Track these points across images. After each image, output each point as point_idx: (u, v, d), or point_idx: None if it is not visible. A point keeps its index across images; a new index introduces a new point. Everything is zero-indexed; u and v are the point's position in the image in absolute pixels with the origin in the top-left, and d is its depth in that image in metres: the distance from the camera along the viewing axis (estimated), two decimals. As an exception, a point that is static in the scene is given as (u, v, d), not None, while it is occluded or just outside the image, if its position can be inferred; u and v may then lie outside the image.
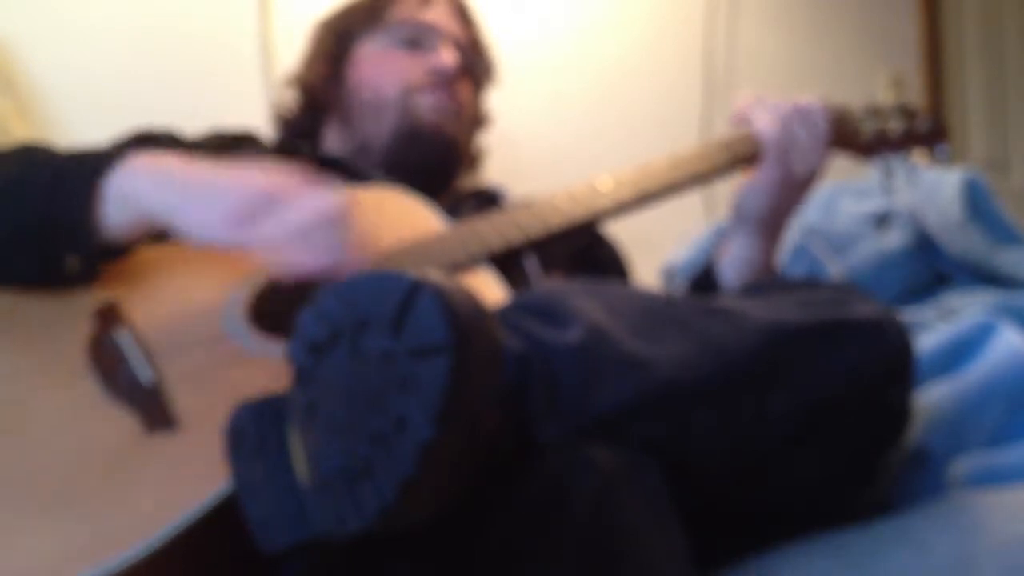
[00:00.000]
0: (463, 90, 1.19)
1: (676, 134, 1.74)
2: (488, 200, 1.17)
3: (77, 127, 1.47)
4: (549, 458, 0.66)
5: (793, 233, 1.34)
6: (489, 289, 0.87)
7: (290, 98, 1.25)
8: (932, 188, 1.32)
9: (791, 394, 0.73)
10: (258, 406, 0.66)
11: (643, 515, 0.66)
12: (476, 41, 1.24)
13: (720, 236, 1.16)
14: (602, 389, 0.68)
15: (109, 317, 0.83)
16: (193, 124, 1.13)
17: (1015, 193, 2.10)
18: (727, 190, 1.08)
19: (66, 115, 1.49)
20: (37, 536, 0.70)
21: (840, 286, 0.84)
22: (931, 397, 0.94)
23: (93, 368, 0.80)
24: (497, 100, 1.32)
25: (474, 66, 1.23)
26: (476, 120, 1.26)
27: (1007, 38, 2.21)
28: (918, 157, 1.38)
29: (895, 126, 1.11)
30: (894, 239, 1.30)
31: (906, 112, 1.13)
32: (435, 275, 0.59)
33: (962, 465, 0.87)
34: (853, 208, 1.37)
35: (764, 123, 1.00)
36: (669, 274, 1.47)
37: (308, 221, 0.78)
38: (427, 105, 1.14)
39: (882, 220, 1.34)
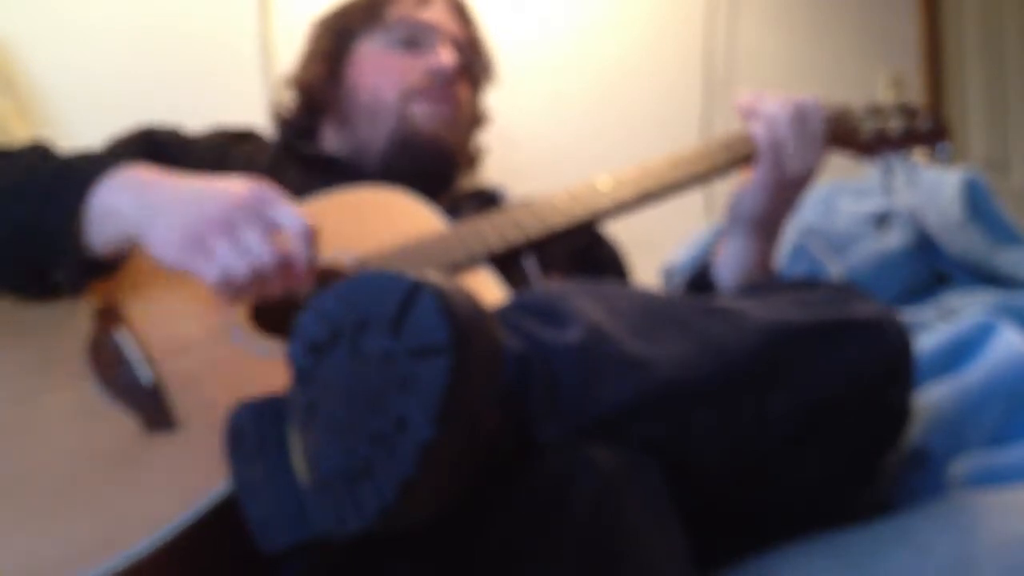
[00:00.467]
0: (462, 90, 1.19)
1: (676, 134, 1.74)
2: (488, 200, 1.17)
3: (77, 127, 1.47)
4: (549, 458, 0.66)
5: (793, 233, 1.34)
6: (489, 289, 0.87)
7: (288, 98, 1.24)
8: (932, 188, 1.32)
9: (791, 394, 0.73)
10: (258, 406, 0.66)
11: (643, 515, 0.66)
12: (475, 40, 1.24)
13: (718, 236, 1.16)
14: (602, 389, 0.68)
15: (109, 317, 0.83)
16: (193, 124, 1.13)
17: (1015, 193, 2.10)
18: (727, 190, 1.08)
19: (66, 115, 1.49)
20: (38, 536, 0.70)
21: (840, 286, 0.84)
22: (931, 397, 0.94)
23: (93, 369, 0.80)
24: (497, 100, 1.32)
25: (473, 65, 1.23)
26: (474, 120, 1.26)
27: (1007, 38, 2.20)
28: (919, 156, 1.38)
29: (896, 125, 1.11)
30: (894, 239, 1.30)
31: (907, 111, 1.13)
32: (435, 275, 0.59)
33: (962, 465, 0.87)
34: (853, 208, 1.37)
35: (758, 124, 0.99)
36: (669, 274, 1.47)
37: (264, 250, 0.76)
38: (424, 113, 1.13)
39: (882, 220, 1.34)
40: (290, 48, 1.30)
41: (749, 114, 1.01)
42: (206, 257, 0.76)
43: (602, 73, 1.78)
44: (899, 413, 0.79)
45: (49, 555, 0.69)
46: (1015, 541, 0.70)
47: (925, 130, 1.13)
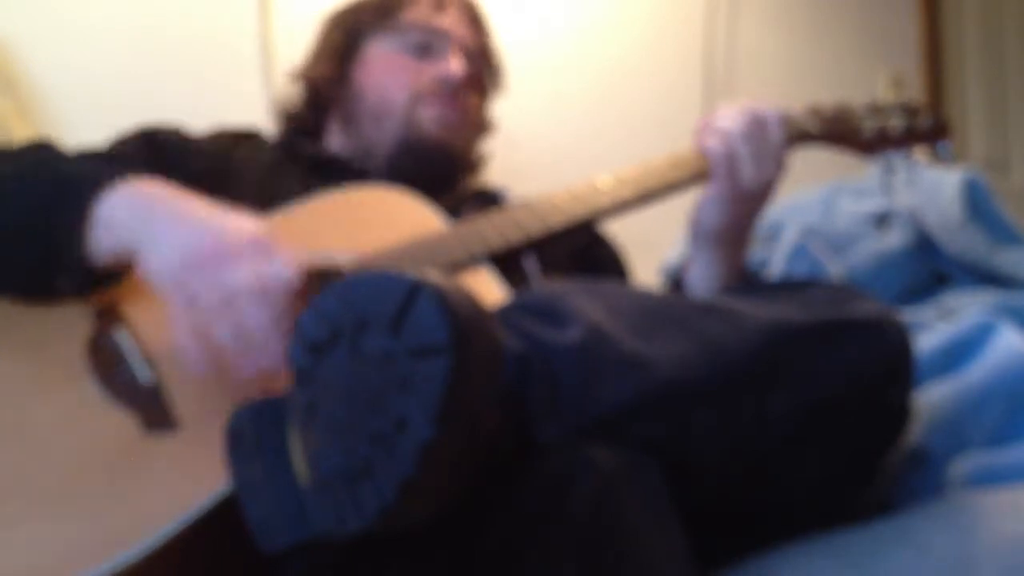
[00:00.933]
0: (470, 98, 1.18)
1: (676, 134, 1.73)
2: (489, 201, 1.17)
3: (77, 127, 1.47)
4: (549, 458, 0.66)
5: (793, 233, 1.34)
6: (489, 289, 0.87)
7: (294, 92, 1.23)
8: (932, 188, 1.32)
9: (791, 394, 0.73)
10: (258, 406, 0.66)
11: (643, 515, 0.66)
12: (487, 49, 1.23)
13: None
14: (602, 389, 0.68)
15: (108, 317, 0.83)
16: (193, 124, 1.13)
17: (1015, 193, 2.10)
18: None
19: (66, 115, 1.49)
20: (39, 536, 0.70)
21: (840, 286, 0.84)
22: (931, 397, 0.94)
23: (92, 368, 0.80)
24: (497, 100, 1.32)
25: (482, 74, 1.22)
26: (480, 127, 1.25)
27: (1007, 38, 2.20)
28: (920, 155, 1.37)
29: (897, 123, 1.11)
30: (894, 239, 1.30)
31: (908, 109, 1.13)
32: (435, 275, 0.59)
33: (962, 465, 0.87)
34: (853, 208, 1.37)
35: (712, 138, 0.98)
36: (669, 274, 1.47)
37: (242, 288, 0.74)
38: (431, 117, 1.12)
39: (882, 220, 1.34)
40: (290, 48, 1.30)
41: (703, 128, 1.00)
42: (189, 302, 0.75)
43: (602, 73, 1.78)
44: (899, 413, 0.79)
45: (49, 555, 0.69)
46: (1015, 541, 0.70)
47: (926, 128, 1.13)
